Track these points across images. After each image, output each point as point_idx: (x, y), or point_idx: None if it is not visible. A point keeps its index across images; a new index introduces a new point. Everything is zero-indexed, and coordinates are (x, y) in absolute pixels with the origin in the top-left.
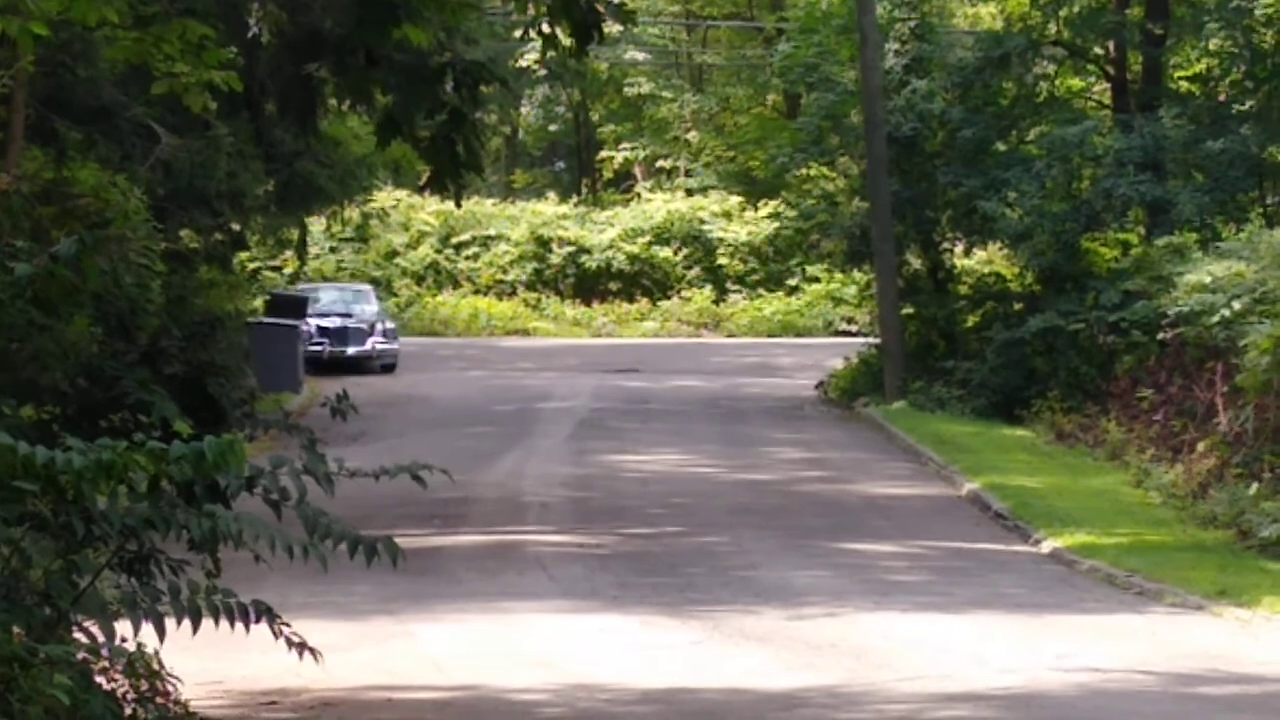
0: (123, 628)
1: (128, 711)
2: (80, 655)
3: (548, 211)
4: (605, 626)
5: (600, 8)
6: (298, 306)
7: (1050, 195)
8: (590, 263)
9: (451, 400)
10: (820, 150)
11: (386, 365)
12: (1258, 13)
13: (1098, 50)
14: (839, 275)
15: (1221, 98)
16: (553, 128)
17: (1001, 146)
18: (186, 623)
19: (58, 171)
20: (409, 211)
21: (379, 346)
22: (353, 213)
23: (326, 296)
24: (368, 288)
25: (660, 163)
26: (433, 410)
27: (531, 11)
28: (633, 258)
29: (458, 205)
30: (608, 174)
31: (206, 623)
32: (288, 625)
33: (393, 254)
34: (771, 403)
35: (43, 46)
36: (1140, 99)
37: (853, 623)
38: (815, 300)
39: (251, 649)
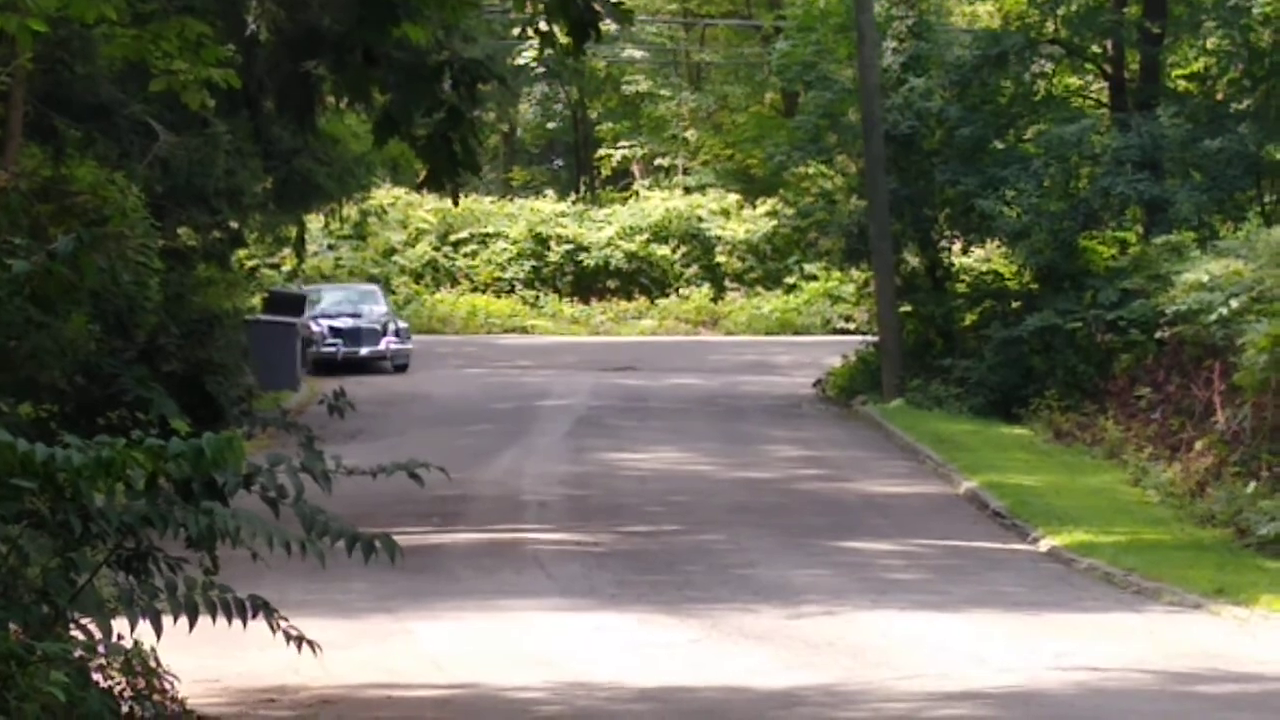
0: (120, 625)
1: (125, 709)
2: (77, 653)
3: (546, 209)
4: (603, 625)
5: (598, 6)
6: (295, 304)
7: (1048, 194)
8: (588, 260)
9: (449, 398)
10: (818, 148)
11: (400, 365)
12: (1255, 11)
13: (1095, 49)
14: (837, 273)
15: (1219, 96)
16: (551, 125)
17: (999, 145)
18: (184, 620)
19: (56, 169)
20: (407, 209)
21: (393, 346)
22: (351, 210)
23: (335, 297)
24: (376, 288)
25: (658, 161)
26: (431, 408)
27: (529, 10)
28: (631, 256)
29: (455, 203)
30: (606, 172)
31: (204, 621)
32: (285, 619)
33: (391, 252)
34: (769, 401)
35: (41, 43)
36: (1138, 98)
37: (851, 621)
38: (813, 298)
39: (249, 647)
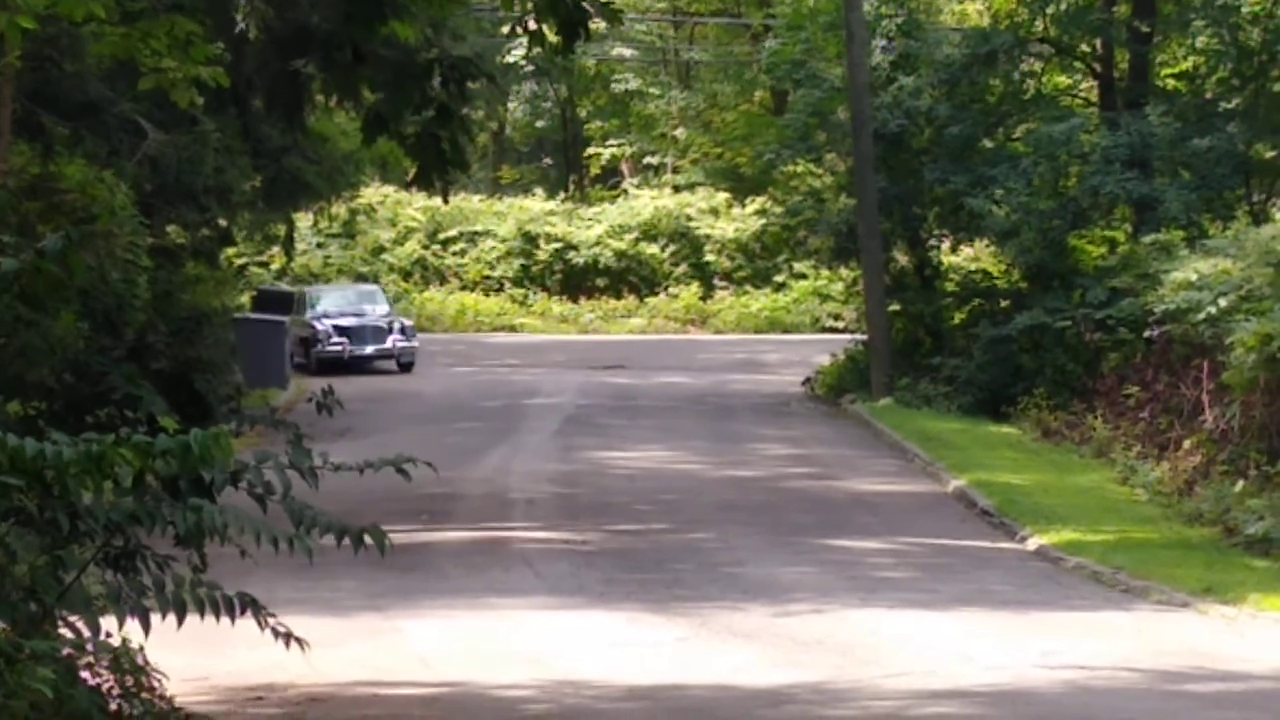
0: (108, 623)
1: (113, 706)
2: (65, 650)
3: (535, 208)
4: (591, 623)
5: (587, 5)
6: (284, 302)
7: (1037, 192)
8: (577, 259)
9: (438, 396)
10: (807, 147)
11: (405, 364)
12: (1244, 10)
13: (1085, 48)
14: (826, 272)
15: (1208, 95)
16: (540, 124)
17: (988, 143)
18: (172, 618)
19: (44, 166)
20: (396, 207)
21: (400, 345)
22: (340, 208)
23: (337, 296)
24: (377, 287)
25: (647, 159)
26: (420, 406)
27: (518, 8)
28: (620, 254)
29: (445, 200)
30: (595, 170)
31: (192, 619)
32: (274, 616)
33: (380, 250)
34: (758, 399)
35: (30, 41)
36: (1127, 96)
37: (839, 619)
38: (802, 297)
39: (238, 645)
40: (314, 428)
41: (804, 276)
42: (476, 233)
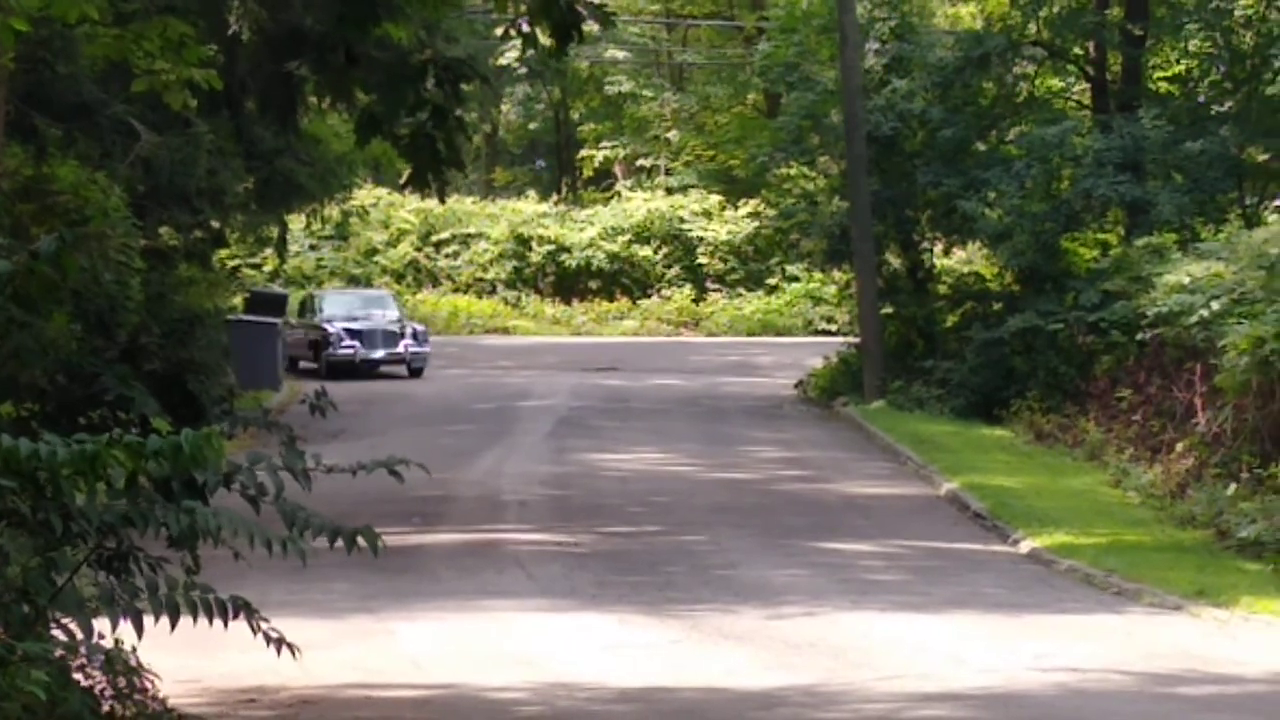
0: (101, 625)
1: (106, 708)
2: (58, 652)
3: (527, 210)
4: (584, 625)
5: (580, 8)
6: (277, 304)
7: (1030, 195)
8: (570, 261)
9: (431, 398)
10: (800, 149)
11: (416, 369)
12: (1237, 14)
13: (1077, 50)
14: (818, 274)
15: (1201, 99)
16: (533, 126)
17: (981, 146)
18: (165, 620)
19: (37, 168)
20: (389, 209)
21: (411, 349)
22: (333, 210)
23: (347, 300)
24: (386, 292)
25: (640, 161)
26: (412, 408)
27: (511, 11)
28: (612, 256)
29: (441, 201)
30: (588, 172)
31: (185, 621)
32: (266, 620)
33: (372, 252)
34: (751, 402)
35: (23, 42)
36: (1120, 99)
37: (831, 622)
38: (795, 299)
39: (230, 647)
40: (307, 430)
41: (797, 279)
42: (469, 235)
